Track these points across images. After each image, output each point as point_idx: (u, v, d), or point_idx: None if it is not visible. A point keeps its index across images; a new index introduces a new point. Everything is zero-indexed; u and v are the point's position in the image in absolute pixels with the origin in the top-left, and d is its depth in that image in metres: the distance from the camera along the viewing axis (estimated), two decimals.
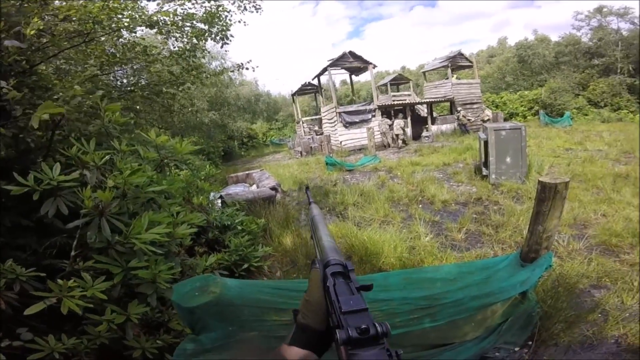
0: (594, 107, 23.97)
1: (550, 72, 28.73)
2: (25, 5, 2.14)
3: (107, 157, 1.40)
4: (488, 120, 15.80)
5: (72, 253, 1.24)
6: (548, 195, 2.07)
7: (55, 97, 2.11)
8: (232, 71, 5.49)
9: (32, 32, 1.77)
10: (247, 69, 5.25)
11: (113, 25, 2.80)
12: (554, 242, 2.33)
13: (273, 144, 28.37)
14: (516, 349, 2.18)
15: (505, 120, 19.38)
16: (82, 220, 1.19)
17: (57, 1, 2.82)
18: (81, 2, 2.70)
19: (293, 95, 23.53)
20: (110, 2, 2.75)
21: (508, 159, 6.69)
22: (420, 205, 5.93)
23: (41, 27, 2.12)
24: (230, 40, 4.16)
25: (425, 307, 1.79)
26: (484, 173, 7.07)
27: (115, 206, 1.26)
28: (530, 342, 2.21)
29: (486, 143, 6.83)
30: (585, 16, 28.47)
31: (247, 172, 10.90)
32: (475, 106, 18.17)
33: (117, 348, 1.37)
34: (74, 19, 2.57)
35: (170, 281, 1.40)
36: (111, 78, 4.23)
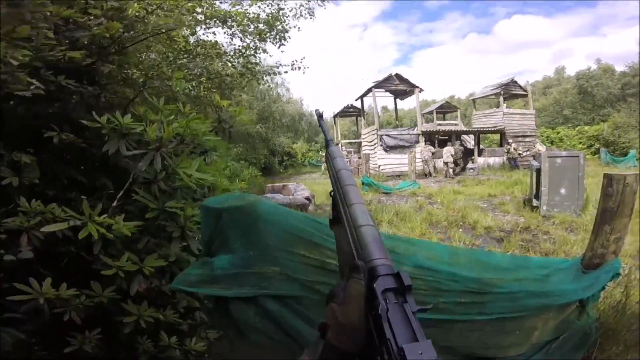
0: None
1: (615, 106, 26.30)
2: None
3: (172, 116, 1.52)
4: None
5: (119, 194, 1.31)
6: (616, 189, 1.78)
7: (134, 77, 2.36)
8: (287, 72, 5.83)
9: (133, 13, 1.98)
10: (299, 68, 5.59)
11: (190, 19, 3.14)
12: (622, 248, 2.02)
13: (311, 164, 28.88)
14: None
15: None
16: (142, 151, 1.28)
17: None
18: None
19: (335, 116, 23.99)
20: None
21: (562, 190, 6.17)
22: (461, 230, 5.60)
23: (137, 13, 2.39)
24: (287, 41, 4.50)
25: (475, 292, 1.53)
26: (534, 204, 6.55)
27: (173, 146, 1.33)
28: None
29: (539, 171, 6.37)
30: None
31: (283, 183, 11.14)
32: (527, 139, 17.17)
33: (113, 310, 1.30)
34: (161, 10, 2.87)
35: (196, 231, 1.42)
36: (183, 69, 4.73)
